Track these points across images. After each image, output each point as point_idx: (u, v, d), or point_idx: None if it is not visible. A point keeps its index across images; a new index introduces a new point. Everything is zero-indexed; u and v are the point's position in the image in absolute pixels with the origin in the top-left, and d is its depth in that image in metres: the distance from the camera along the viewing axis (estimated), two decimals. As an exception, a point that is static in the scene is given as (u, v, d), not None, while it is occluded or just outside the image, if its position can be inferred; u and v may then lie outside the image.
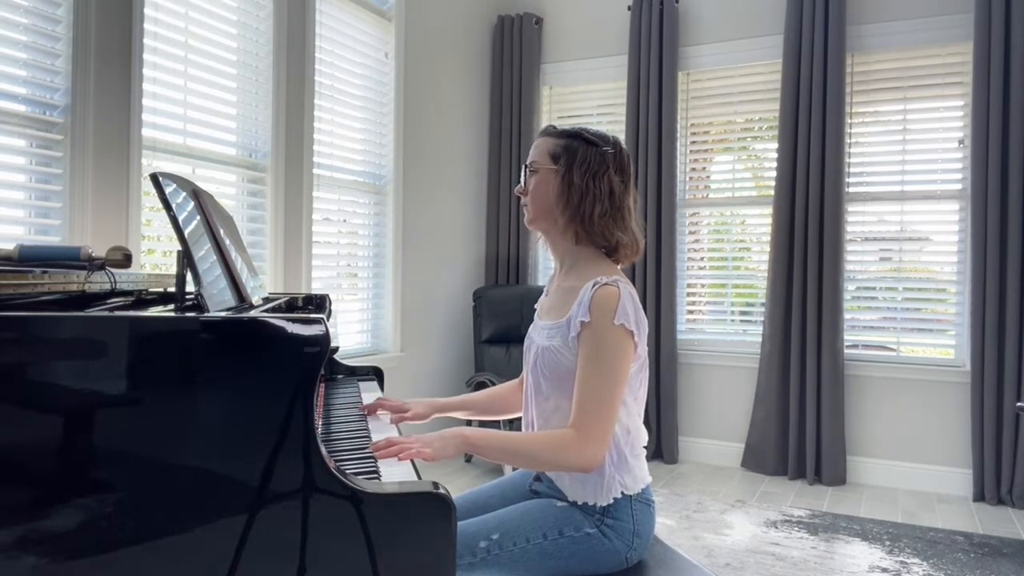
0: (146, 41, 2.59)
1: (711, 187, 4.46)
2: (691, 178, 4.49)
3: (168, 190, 1.22)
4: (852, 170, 4.02)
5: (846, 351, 3.98)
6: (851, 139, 4.02)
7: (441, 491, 1.05)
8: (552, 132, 1.57)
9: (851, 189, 4.02)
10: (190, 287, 1.26)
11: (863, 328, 4.07)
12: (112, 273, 1.36)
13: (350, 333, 3.71)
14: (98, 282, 1.32)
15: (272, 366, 1.01)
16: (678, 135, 4.36)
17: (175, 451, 0.99)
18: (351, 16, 3.64)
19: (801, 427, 3.97)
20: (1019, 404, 2.95)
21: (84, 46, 2.36)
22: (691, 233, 4.48)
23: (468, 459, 4.25)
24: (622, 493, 1.44)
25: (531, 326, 1.62)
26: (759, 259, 4.32)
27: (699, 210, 4.46)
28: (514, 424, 3.59)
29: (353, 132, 3.69)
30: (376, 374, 2.11)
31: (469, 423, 3.87)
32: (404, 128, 3.97)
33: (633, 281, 4.31)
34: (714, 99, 4.40)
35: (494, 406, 1.77)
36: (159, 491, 0.98)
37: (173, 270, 2.19)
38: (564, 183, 1.50)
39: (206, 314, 1.04)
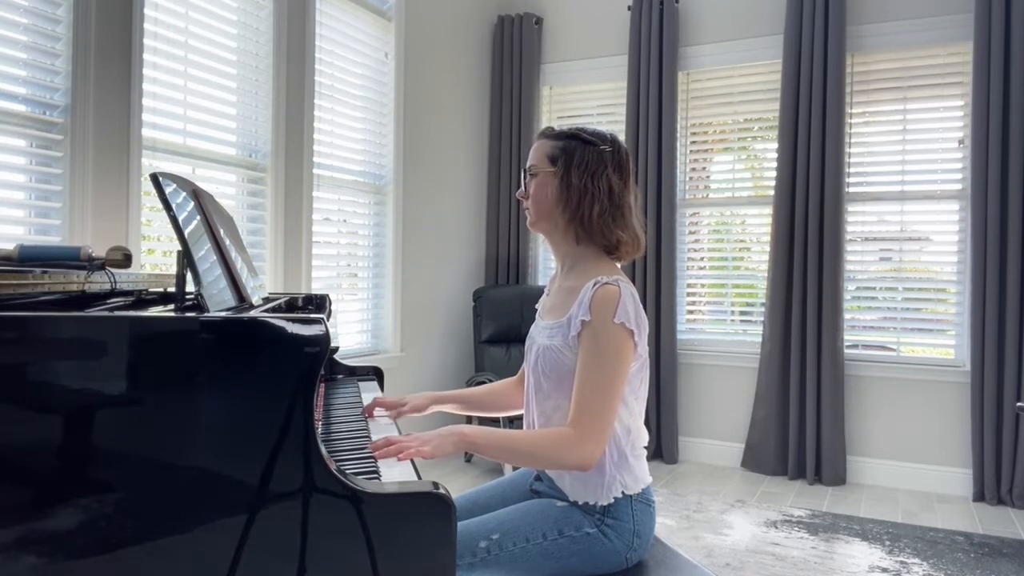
0: (146, 41, 2.59)
1: (711, 187, 4.46)
2: (691, 178, 4.49)
3: (168, 190, 1.22)
4: (852, 170, 4.02)
5: (846, 351, 3.98)
6: (851, 139, 4.02)
7: (441, 491, 1.05)
8: (550, 134, 1.57)
9: (851, 189, 4.02)
10: (190, 287, 1.26)
11: (863, 328, 4.07)
12: (112, 273, 1.36)
13: (350, 333, 3.71)
14: (98, 282, 1.32)
15: (272, 366, 1.01)
16: (678, 135, 4.36)
17: (175, 451, 0.99)
18: (351, 16, 3.64)
19: (801, 427, 3.97)
20: (1019, 404, 2.95)
21: (84, 46, 2.36)
22: (691, 233, 4.48)
23: (468, 459, 4.25)
24: (623, 493, 1.44)
25: (532, 326, 1.62)
26: (759, 259, 4.32)
27: (699, 210, 4.46)
28: (514, 422, 3.59)
29: (353, 132, 3.69)
30: (376, 374, 2.11)
31: (469, 420, 3.87)
32: (404, 128, 3.97)
33: (633, 281, 4.31)
34: (714, 99, 4.40)
35: (492, 402, 1.77)
36: (159, 491, 0.98)
37: (173, 270, 2.19)
38: (563, 185, 1.51)
39: (206, 314, 1.04)
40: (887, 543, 3.03)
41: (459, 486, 3.71)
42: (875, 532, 3.16)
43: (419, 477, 1.23)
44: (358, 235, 3.76)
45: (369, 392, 1.92)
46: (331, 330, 1.73)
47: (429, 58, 4.19)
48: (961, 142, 3.83)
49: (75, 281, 1.23)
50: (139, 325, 0.99)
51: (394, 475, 1.22)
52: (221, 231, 1.49)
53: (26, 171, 2.28)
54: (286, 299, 1.97)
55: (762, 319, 4.18)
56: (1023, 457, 3.53)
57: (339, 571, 1.01)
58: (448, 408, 1.76)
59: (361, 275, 3.81)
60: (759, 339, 4.20)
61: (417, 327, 4.14)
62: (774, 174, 4.09)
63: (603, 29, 4.64)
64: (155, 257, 2.80)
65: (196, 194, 1.43)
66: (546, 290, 1.68)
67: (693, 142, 4.48)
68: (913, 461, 3.88)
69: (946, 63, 3.86)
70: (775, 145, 4.17)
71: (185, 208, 1.30)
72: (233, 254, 1.52)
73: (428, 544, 1.03)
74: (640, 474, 1.48)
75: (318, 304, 2.14)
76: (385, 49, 3.89)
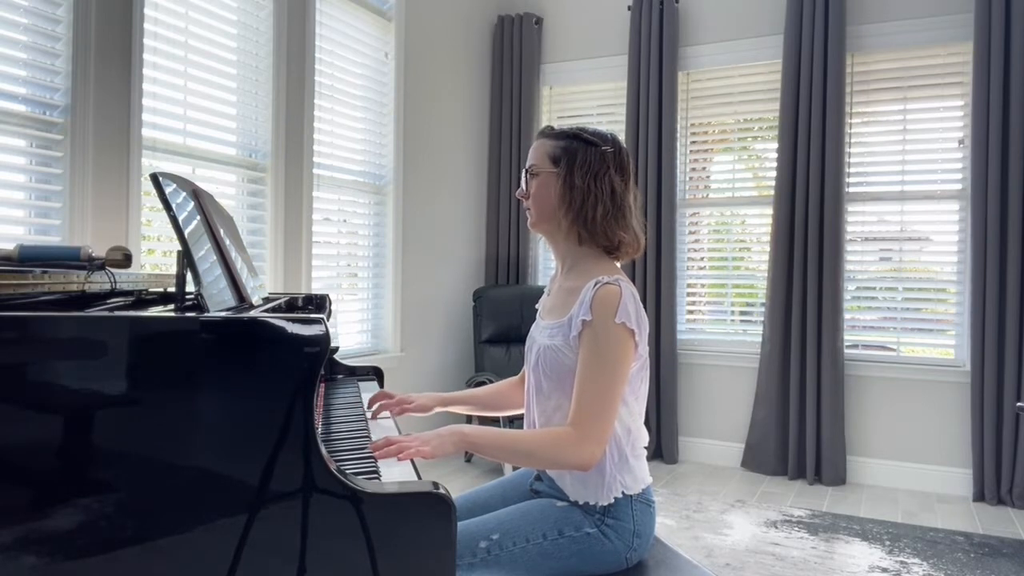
0: (146, 41, 2.59)
1: (711, 187, 4.46)
2: (691, 178, 4.49)
3: (168, 190, 1.22)
4: (852, 170, 4.02)
5: (846, 351, 3.98)
6: (851, 139, 4.02)
7: (441, 491, 1.05)
8: (550, 133, 1.56)
9: (851, 189, 4.02)
10: (190, 287, 1.26)
11: (863, 328, 4.07)
12: (112, 273, 1.36)
13: (350, 333, 3.71)
14: (98, 282, 1.32)
15: (272, 366, 1.01)
16: (678, 135, 4.36)
17: (175, 451, 0.99)
18: (351, 16, 3.64)
19: (801, 427, 3.97)
20: (1019, 404, 2.95)
21: (84, 46, 2.36)
22: (691, 233, 4.48)
23: (468, 459, 4.25)
24: (623, 493, 1.44)
25: (533, 326, 1.62)
26: (759, 259, 4.32)
27: (699, 210, 4.46)
28: (514, 422, 3.59)
29: (353, 132, 3.69)
30: (376, 374, 2.11)
31: (469, 420, 3.87)
32: (404, 128, 3.97)
33: (633, 281, 4.31)
34: (714, 99, 4.40)
35: (496, 402, 1.77)
36: (159, 491, 0.98)
37: (173, 270, 2.19)
38: (565, 186, 1.50)
39: (206, 314, 1.04)
40: (887, 543, 3.03)
41: (459, 486, 3.71)
42: (875, 532, 3.16)
43: (419, 477, 1.23)
44: (358, 235, 3.76)
45: (369, 392, 1.92)
46: (331, 330, 1.73)
47: (429, 58, 4.19)
48: (961, 142, 3.83)
49: (75, 281, 1.23)
50: (139, 325, 0.99)
51: (394, 475, 1.22)
52: (221, 231, 1.49)
53: (26, 171, 2.28)
54: (286, 299, 1.97)
55: (762, 319, 4.18)
56: (1023, 457, 3.53)
57: (339, 571, 1.01)
58: (453, 409, 1.76)
59: (361, 275, 3.81)
60: (759, 339, 4.20)
61: (417, 327, 4.14)
62: (774, 174, 4.09)
63: (603, 29, 4.64)
64: (155, 257, 2.80)
65: (196, 194, 1.43)
66: (546, 290, 1.68)
67: (693, 142, 4.48)
68: (913, 461, 3.88)
69: (946, 63, 3.86)
70: (775, 145, 4.16)
71: (185, 208, 1.30)
72: (233, 254, 1.52)
73: (428, 544, 1.03)
74: (640, 474, 1.48)
75: (318, 304, 2.14)
76: (385, 49, 3.89)
